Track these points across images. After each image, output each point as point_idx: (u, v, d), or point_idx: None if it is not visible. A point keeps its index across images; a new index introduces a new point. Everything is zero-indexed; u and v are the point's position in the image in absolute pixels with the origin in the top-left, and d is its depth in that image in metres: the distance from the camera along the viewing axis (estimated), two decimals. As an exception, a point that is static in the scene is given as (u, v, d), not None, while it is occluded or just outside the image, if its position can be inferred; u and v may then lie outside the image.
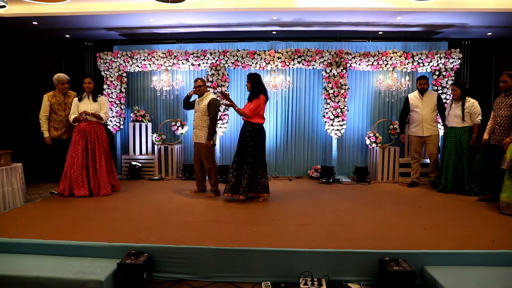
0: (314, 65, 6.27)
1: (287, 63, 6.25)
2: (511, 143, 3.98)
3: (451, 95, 5.36)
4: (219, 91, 6.31)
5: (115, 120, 6.55)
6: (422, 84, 5.61)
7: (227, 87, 6.39)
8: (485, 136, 4.66)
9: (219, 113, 6.30)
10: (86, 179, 4.77)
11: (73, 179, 4.72)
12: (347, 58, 6.21)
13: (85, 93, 4.88)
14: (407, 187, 5.64)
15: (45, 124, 4.97)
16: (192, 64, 6.37)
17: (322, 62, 6.22)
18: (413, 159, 5.77)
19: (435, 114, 5.57)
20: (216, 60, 6.30)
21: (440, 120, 5.71)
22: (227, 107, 6.24)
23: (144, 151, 6.57)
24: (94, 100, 4.88)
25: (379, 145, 6.17)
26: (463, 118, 5.02)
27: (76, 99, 4.90)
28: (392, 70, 6.28)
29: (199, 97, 4.87)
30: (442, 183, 5.21)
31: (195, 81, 4.87)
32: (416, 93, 5.69)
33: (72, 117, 4.84)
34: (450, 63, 6.17)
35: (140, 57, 6.38)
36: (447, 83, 6.21)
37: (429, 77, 6.28)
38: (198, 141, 4.79)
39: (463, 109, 5.02)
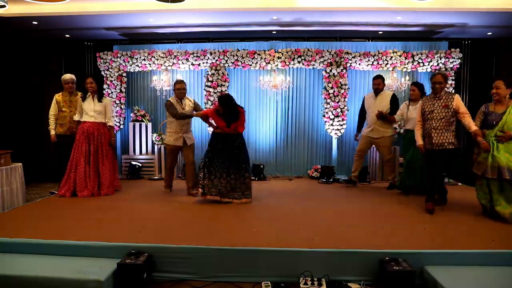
0: (314, 65, 6.27)
1: (287, 63, 6.25)
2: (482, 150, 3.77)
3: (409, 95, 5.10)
4: (219, 91, 6.31)
5: (115, 120, 6.55)
6: (375, 84, 5.36)
7: (227, 87, 6.39)
8: (420, 141, 4.20)
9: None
10: (89, 180, 4.75)
11: (77, 180, 4.70)
12: (347, 57, 6.21)
13: (89, 93, 4.85)
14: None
15: (52, 123, 5.07)
16: (192, 64, 6.37)
17: (322, 62, 6.22)
18: (355, 156, 5.62)
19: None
20: (216, 60, 6.30)
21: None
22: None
23: (144, 151, 6.57)
24: (99, 101, 4.85)
25: (379, 145, 6.16)
26: None
27: (80, 99, 4.90)
28: (392, 70, 6.28)
29: (181, 102, 4.91)
30: (403, 183, 4.98)
31: (181, 82, 4.90)
32: (372, 93, 5.53)
33: (76, 116, 4.87)
34: (450, 62, 6.18)
35: (140, 57, 6.38)
36: (447, 83, 6.21)
37: (427, 77, 6.28)
38: (189, 143, 4.93)
39: None
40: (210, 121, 4.80)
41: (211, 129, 4.91)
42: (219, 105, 4.50)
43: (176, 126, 4.90)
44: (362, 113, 5.62)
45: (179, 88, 4.88)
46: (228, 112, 4.46)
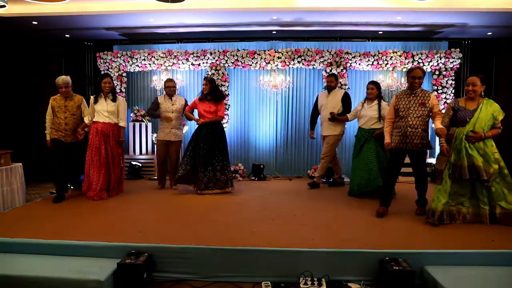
0: (314, 65, 6.27)
1: (287, 63, 6.25)
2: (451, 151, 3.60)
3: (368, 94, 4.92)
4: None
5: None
6: (328, 82, 5.38)
7: (227, 87, 6.39)
8: (389, 139, 4.03)
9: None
10: (100, 182, 4.59)
11: (92, 181, 4.57)
12: (347, 58, 6.21)
13: (101, 93, 4.67)
14: (309, 188, 5.44)
15: (49, 127, 4.65)
16: (192, 64, 6.37)
17: (322, 62, 6.22)
18: (321, 158, 5.58)
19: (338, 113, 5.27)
20: (216, 60, 6.30)
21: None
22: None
23: (144, 151, 6.56)
24: (113, 100, 4.64)
25: (379, 145, 6.16)
26: (379, 119, 4.71)
27: (91, 99, 4.69)
28: (392, 70, 6.28)
29: (171, 99, 5.29)
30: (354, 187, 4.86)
31: (170, 81, 5.35)
32: (325, 91, 5.56)
33: (86, 119, 4.64)
34: (450, 62, 6.17)
35: (140, 57, 6.38)
36: (447, 82, 6.22)
37: (429, 77, 6.29)
38: (176, 139, 5.29)
39: (380, 109, 4.71)
40: (196, 116, 5.09)
41: None
42: (207, 82, 4.89)
43: (163, 121, 5.27)
44: (314, 111, 5.68)
45: (169, 86, 5.29)
46: (214, 89, 4.92)
